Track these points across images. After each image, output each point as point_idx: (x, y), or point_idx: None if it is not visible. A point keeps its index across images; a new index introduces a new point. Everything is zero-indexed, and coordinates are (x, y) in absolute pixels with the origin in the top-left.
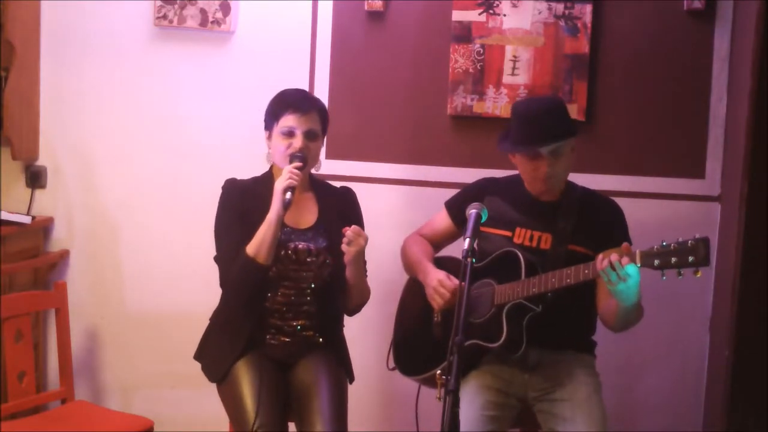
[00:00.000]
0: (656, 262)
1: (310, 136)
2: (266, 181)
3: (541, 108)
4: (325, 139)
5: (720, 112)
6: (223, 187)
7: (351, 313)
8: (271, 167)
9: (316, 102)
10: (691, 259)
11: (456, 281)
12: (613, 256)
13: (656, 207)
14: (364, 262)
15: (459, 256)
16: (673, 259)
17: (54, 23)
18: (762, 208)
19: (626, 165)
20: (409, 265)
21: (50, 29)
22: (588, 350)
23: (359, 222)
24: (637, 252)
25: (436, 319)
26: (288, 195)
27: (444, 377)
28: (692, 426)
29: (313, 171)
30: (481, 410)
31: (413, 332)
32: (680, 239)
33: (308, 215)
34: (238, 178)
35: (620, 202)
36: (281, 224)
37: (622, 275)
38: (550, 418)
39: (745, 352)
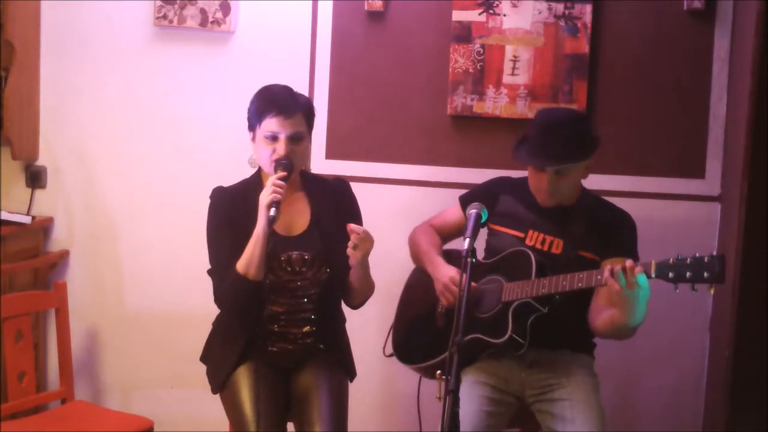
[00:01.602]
0: (671, 274)
1: (294, 139)
2: (255, 183)
3: (557, 125)
4: (312, 137)
5: (720, 112)
6: (211, 197)
7: (356, 308)
8: (260, 168)
9: (300, 102)
10: (706, 274)
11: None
12: (628, 263)
13: (656, 207)
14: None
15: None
16: (688, 273)
17: (54, 23)
18: (762, 208)
19: (626, 165)
20: (417, 254)
21: (50, 29)
22: (586, 351)
23: (356, 215)
24: (653, 262)
25: (440, 309)
26: (272, 212)
27: (444, 377)
28: (692, 426)
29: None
30: (480, 406)
31: (415, 321)
32: (697, 254)
33: (301, 219)
34: (226, 185)
35: (620, 202)
36: (269, 238)
37: (632, 281)
38: (548, 418)
39: (745, 352)
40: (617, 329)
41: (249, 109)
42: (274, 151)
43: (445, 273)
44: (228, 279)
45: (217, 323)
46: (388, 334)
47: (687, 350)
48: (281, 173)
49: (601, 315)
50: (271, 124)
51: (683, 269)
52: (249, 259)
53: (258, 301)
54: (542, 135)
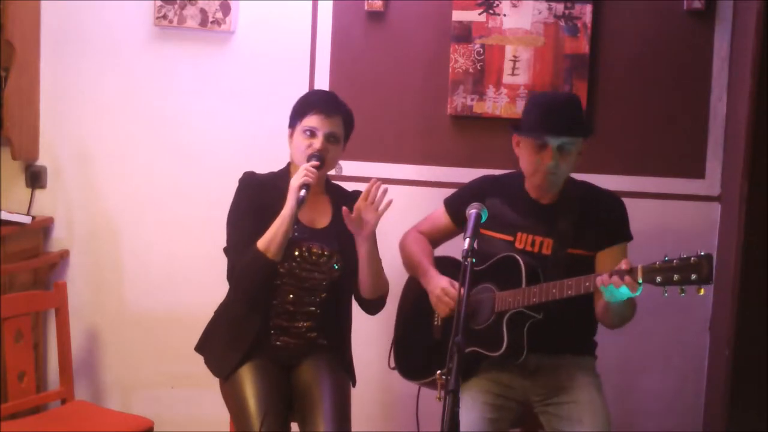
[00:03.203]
0: (658, 278)
1: (331, 138)
2: (284, 176)
3: (560, 100)
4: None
5: (720, 112)
6: (241, 180)
7: (371, 308)
8: (289, 164)
9: (342, 106)
10: (693, 276)
11: None
12: (615, 279)
13: (656, 207)
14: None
15: (458, 255)
16: (676, 276)
17: (54, 23)
18: (762, 208)
19: (626, 165)
20: (409, 264)
21: (50, 29)
22: (588, 352)
23: None
24: (639, 267)
25: (436, 322)
26: (302, 192)
27: (444, 377)
28: (692, 426)
29: (333, 172)
30: (483, 413)
31: (413, 334)
32: (683, 255)
33: (323, 217)
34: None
35: None
36: (294, 221)
37: (617, 294)
38: (554, 419)
39: (745, 352)
40: (618, 312)
41: (293, 107)
42: (310, 145)
43: (437, 284)
44: (247, 255)
45: (222, 310)
46: (391, 347)
47: (687, 350)
48: (314, 162)
49: (604, 309)
50: (311, 120)
51: (670, 272)
52: (272, 237)
53: (269, 286)
54: (544, 111)
